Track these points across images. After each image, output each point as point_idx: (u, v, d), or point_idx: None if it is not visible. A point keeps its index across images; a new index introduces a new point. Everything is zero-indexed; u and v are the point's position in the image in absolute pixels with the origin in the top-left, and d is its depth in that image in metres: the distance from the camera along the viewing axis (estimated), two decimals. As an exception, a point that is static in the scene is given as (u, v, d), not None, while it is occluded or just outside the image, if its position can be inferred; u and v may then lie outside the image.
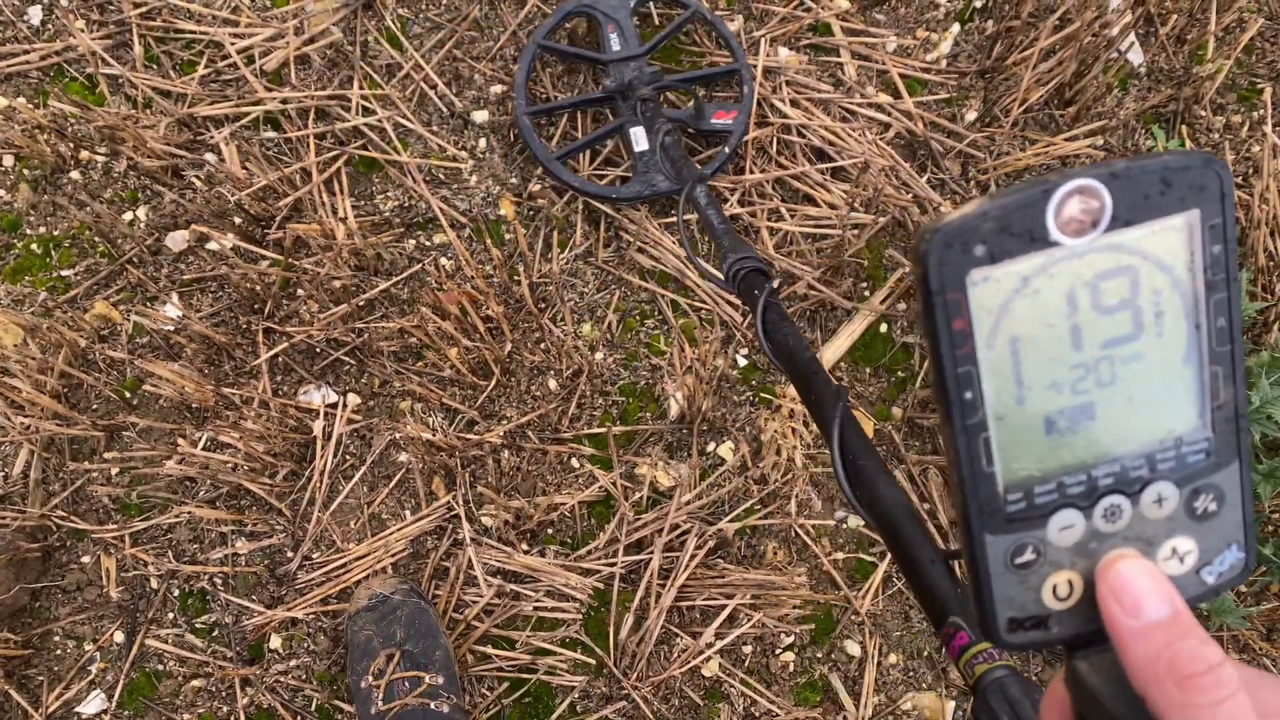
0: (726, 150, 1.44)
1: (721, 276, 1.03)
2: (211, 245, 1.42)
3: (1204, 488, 0.39)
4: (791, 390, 1.44)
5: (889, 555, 1.36)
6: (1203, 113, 1.56)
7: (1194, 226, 0.36)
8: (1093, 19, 1.46)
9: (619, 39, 1.47)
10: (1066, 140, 1.50)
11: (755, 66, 1.52)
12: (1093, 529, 0.39)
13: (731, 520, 1.37)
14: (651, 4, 1.54)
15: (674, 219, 1.48)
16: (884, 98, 1.54)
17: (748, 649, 1.37)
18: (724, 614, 1.36)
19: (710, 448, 1.42)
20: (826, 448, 0.80)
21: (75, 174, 1.44)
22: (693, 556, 1.36)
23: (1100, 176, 0.35)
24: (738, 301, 1.45)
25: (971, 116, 1.54)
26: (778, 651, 1.37)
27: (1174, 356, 0.37)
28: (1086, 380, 0.37)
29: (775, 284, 0.92)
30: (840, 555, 1.40)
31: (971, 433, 0.37)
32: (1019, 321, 0.36)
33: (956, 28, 1.57)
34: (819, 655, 1.38)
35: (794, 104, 1.52)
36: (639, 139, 1.42)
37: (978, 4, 1.58)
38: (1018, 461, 0.38)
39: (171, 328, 1.38)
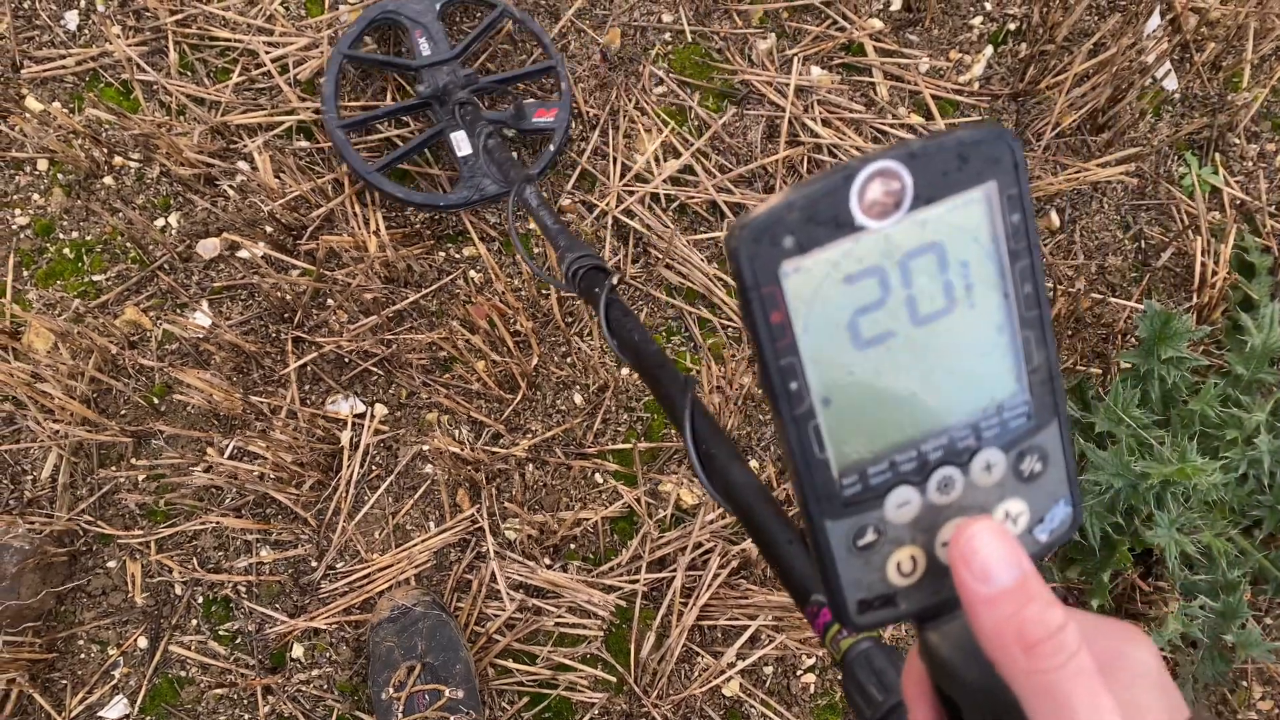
0: (551, 148, 1.44)
1: (560, 279, 1.02)
2: (243, 253, 1.43)
3: (1029, 449, 0.40)
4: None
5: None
6: (1237, 140, 1.56)
7: (992, 198, 0.37)
8: (1128, 45, 1.46)
9: (428, 43, 1.45)
10: (1099, 166, 1.50)
11: (788, 85, 1.52)
12: (928, 503, 0.39)
13: (755, 540, 1.37)
14: (460, 5, 1.52)
15: (707, 234, 1.48)
16: (916, 119, 1.53)
17: (769, 670, 1.37)
18: (746, 634, 1.35)
19: (735, 467, 1.42)
20: (680, 439, 0.81)
21: (109, 180, 1.44)
22: (715, 576, 1.36)
23: (899, 157, 0.35)
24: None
25: (1003, 139, 1.54)
26: (799, 673, 1.37)
27: (988, 326, 0.38)
28: (906, 358, 0.38)
29: (615, 280, 0.91)
30: (863, 578, 1.40)
31: (800, 422, 0.37)
32: (835, 307, 0.36)
33: (990, 50, 1.57)
34: (840, 677, 1.37)
35: (825, 124, 1.52)
36: (460, 143, 1.40)
37: (1012, 27, 1.58)
38: (849, 445, 0.38)
39: (201, 335, 1.38)
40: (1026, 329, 0.38)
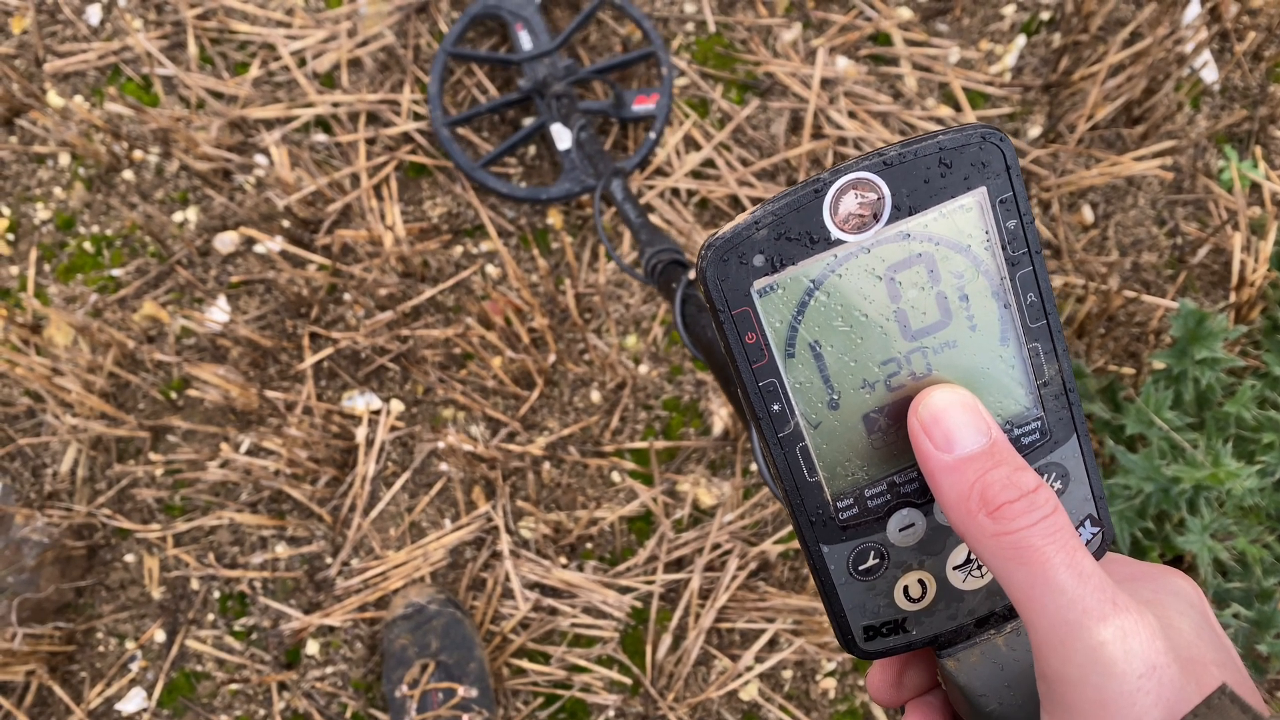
0: (652, 135, 1.41)
1: (641, 273, 1.00)
2: (259, 248, 1.42)
3: (1045, 468, 0.37)
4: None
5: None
6: (1279, 133, 1.50)
7: (983, 204, 0.34)
8: (1165, 35, 1.41)
9: (529, 37, 1.43)
10: (1134, 159, 1.45)
11: (812, 77, 1.48)
12: (935, 525, 0.38)
13: (775, 542, 1.35)
14: None
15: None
16: (945, 111, 1.50)
17: (788, 674, 1.35)
18: (764, 638, 1.33)
19: (754, 467, 1.39)
20: (749, 441, 0.79)
21: (128, 174, 1.44)
22: (734, 578, 1.34)
23: (873, 167, 0.34)
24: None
25: (1035, 132, 1.49)
26: (818, 677, 1.34)
27: (989, 338, 0.36)
28: (901, 374, 0.36)
29: (692, 275, 0.90)
30: (885, 581, 1.37)
31: (787, 445, 0.36)
32: (815, 326, 0.35)
33: (1022, 40, 1.52)
34: (860, 683, 1.35)
35: (851, 115, 1.48)
36: (561, 137, 1.38)
37: (1045, 16, 1.53)
38: (842, 467, 0.37)
39: (218, 330, 1.38)
40: (1033, 340, 0.36)
